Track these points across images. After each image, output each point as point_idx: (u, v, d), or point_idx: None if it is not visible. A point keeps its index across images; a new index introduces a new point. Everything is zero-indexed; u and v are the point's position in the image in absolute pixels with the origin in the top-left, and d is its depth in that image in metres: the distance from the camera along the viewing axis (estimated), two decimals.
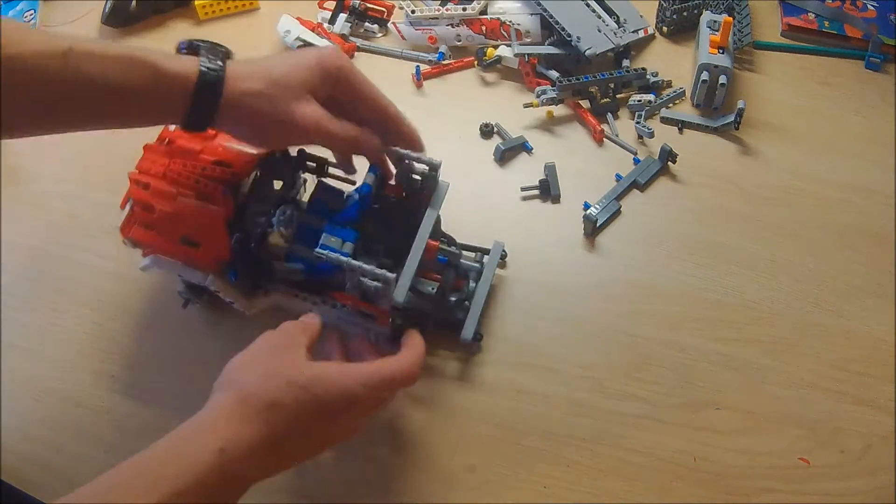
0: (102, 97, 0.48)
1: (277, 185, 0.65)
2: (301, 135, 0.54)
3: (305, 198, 0.65)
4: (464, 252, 0.66)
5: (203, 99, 0.50)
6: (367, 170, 0.59)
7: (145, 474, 0.41)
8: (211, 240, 0.57)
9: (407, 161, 0.58)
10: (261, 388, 0.45)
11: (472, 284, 0.64)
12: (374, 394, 0.48)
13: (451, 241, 0.65)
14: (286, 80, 0.52)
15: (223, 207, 0.57)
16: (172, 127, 0.64)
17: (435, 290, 0.62)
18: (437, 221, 0.62)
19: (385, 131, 0.57)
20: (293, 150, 0.65)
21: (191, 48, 0.52)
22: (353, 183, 0.64)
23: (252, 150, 0.60)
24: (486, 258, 0.66)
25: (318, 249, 0.56)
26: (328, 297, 0.61)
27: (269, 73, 0.51)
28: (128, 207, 0.59)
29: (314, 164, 0.66)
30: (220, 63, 0.50)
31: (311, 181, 0.66)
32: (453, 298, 0.63)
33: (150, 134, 0.63)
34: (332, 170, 0.66)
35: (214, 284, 0.58)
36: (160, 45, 0.89)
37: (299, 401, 0.45)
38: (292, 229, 0.60)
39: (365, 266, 0.54)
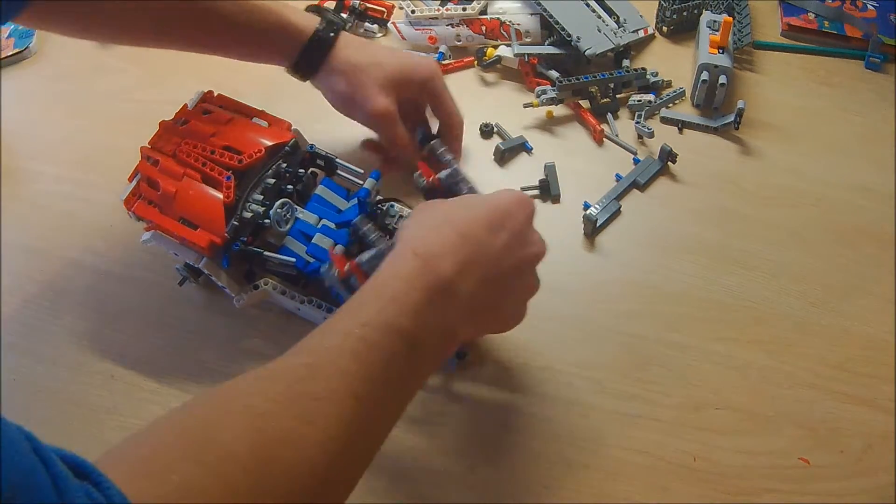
0: (228, 29, 0.61)
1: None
2: (366, 120, 0.66)
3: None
4: None
5: (311, 52, 0.63)
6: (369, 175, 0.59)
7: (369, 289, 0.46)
8: (208, 224, 0.57)
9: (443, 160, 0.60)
10: (436, 208, 0.51)
11: None
12: (516, 206, 0.50)
13: None
14: (374, 71, 0.63)
15: (225, 193, 0.57)
16: (189, 106, 0.63)
17: None
18: None
19: (443, 135, 0.69)
20: (304, 146, 0.65)
21: (316, 10, 0.65)
22: (362, 184, 0.64)
23: (264, 141, 0.61)
24: None
25: (309, 227, 0.55)
26: (314, 298, 0.61)
27: (364, 59, 0.63)
28: (135, 181, 0.60)
29: (322, 163, 0.66)
30: (333, 31, 0.63)
31: (321, 176, 0.66)
32: None
33: (148, 132, 0.64)
34: (340, 171, 0.66)
35: (208, 268, 0.58)
36: None
37: (469, 210, 0.50)
38: (288, 226, 0.60)
39: (364, 227, 0.53)
